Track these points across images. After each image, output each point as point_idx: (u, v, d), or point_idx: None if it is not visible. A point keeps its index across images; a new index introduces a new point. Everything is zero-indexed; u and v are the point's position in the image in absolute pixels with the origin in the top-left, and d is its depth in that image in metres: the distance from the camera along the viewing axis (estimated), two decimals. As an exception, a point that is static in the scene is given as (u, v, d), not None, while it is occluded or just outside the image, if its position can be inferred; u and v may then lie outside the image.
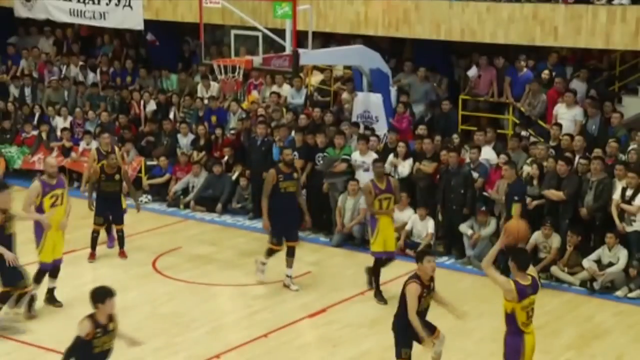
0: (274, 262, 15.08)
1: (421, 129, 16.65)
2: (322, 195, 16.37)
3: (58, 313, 12.84)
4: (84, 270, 14.88)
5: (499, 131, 16.87)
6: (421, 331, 9.69)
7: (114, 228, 15.34)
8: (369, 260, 13.56)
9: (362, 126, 17.19)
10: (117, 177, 14.89)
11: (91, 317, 8.89)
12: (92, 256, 15.12)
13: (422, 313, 9.94)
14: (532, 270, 9.38)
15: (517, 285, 9.01)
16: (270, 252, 13.88)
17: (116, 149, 15.84)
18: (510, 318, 9.13)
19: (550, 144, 15.45)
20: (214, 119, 19.03)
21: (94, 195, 14.96)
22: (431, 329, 10.07)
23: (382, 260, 13.41)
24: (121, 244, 15.22)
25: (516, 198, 13.98)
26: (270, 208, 13.60)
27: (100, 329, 8.86)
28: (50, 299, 12.95)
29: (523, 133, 16.42)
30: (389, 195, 13.38)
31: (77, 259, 15.13)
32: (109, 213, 15.08)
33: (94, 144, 19.22)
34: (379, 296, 13.31)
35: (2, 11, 22.85)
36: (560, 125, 15.83)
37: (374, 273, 13.45)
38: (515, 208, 13.79)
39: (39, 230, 12.50)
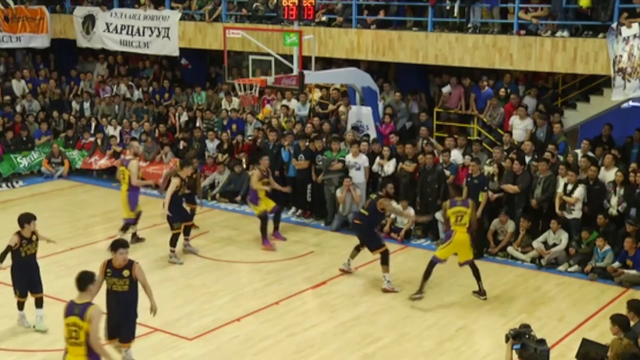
0: (282, 243, 15.14)
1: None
2: (322, 190, 16.40)
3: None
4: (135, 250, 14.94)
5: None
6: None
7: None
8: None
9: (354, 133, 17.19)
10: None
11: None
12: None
13: (112, 293, 9.08)
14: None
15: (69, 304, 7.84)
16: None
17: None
18: None
19: (504, 148, 15.52)
20: (234, 127, 19.07)
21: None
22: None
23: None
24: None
25: (485, 188, 14.27)
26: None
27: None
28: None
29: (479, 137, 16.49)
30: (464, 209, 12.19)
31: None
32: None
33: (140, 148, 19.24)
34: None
35: (67, 42, 22.91)
36: (511, 133, 15.94)
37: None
38: (482, 196, 13.99)
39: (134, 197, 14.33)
